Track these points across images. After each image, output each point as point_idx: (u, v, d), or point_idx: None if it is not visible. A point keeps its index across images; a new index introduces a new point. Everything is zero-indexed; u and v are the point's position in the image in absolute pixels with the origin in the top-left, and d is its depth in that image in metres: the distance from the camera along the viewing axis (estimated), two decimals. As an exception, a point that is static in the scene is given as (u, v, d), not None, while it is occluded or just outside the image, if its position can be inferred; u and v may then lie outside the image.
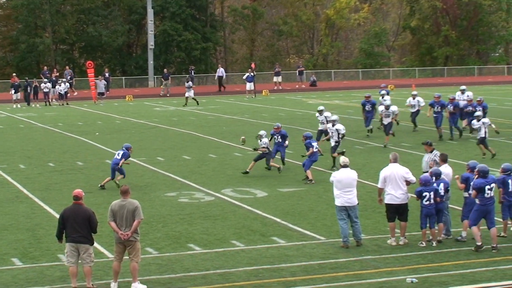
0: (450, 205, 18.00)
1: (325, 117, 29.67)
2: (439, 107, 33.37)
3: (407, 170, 17.31)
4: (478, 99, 33.79)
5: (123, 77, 75.15)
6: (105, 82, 59.01)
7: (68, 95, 56.86)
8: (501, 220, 17.53)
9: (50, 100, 55.42)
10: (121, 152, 23.95)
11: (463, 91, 36.34)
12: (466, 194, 17.19)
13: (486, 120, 28.93)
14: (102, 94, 56.85)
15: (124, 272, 14.77)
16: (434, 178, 17.16)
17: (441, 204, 17.04)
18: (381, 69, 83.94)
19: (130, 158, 24.59)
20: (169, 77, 63.61)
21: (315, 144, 24.72)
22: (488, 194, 16.51)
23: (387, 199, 17.16)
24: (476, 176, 16.72)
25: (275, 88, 65.85)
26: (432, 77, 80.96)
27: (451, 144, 31.84)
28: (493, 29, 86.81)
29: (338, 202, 16.99)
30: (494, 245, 16.41)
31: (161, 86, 64.16)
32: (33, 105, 54.43)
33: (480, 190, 16.47)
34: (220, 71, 67.09)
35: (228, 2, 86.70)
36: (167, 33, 76.12)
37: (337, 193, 17.00)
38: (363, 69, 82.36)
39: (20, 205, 21.84)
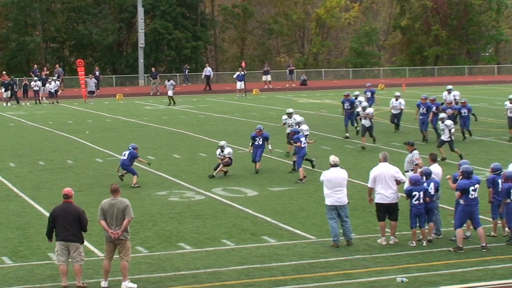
0: (440, 205, 18.03)
1: (294, 119, 28.18)
2: (425, 109, 32.44)
3: (397, 170, 17.33)
4: (463, 101, 33.23)
5: (114, 76, 75.12)
6: (96, 81, 58.92)
7: (59, 93, 56.76)
8: (491, 219, 17.58)
9: (40, 99, 55.29)
10: (127, 153, 24.07)
11: (449, 91, 36.16)
12: (457, 194, 17.20)
13: (449, 122, 27.77)
14: (93, 92, 56.80)
15: (114, 271, 14.75)
16: (424, 177, 17.19)
17: (431, 203, 17.04)
18: (371, 68, 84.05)
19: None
20: (158, 76, 63.38)
21: (303, 139, 24.73)
22: (472, 195, 16.45)
23: (377, 199, 17.15)
24: (460, 177, 16.68)
25: (265, 87, 65.89)
26: (422, 77, 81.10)
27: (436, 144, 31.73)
28: (483, 28, 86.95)
29: (328, 201, 16.99)
30: (484, 245, 16.41)
31: (150, 85, 64.11)
32: (23, 104, 54.24)
33: (464, 191, 16.42)
34: (208, 70, 66.93)
35: (219, 0, 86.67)
36: (158, 31, 76.01)
37: (327, 192, 16.99)
38: (354, 68, 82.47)
39: (10, 203, 21.78)
